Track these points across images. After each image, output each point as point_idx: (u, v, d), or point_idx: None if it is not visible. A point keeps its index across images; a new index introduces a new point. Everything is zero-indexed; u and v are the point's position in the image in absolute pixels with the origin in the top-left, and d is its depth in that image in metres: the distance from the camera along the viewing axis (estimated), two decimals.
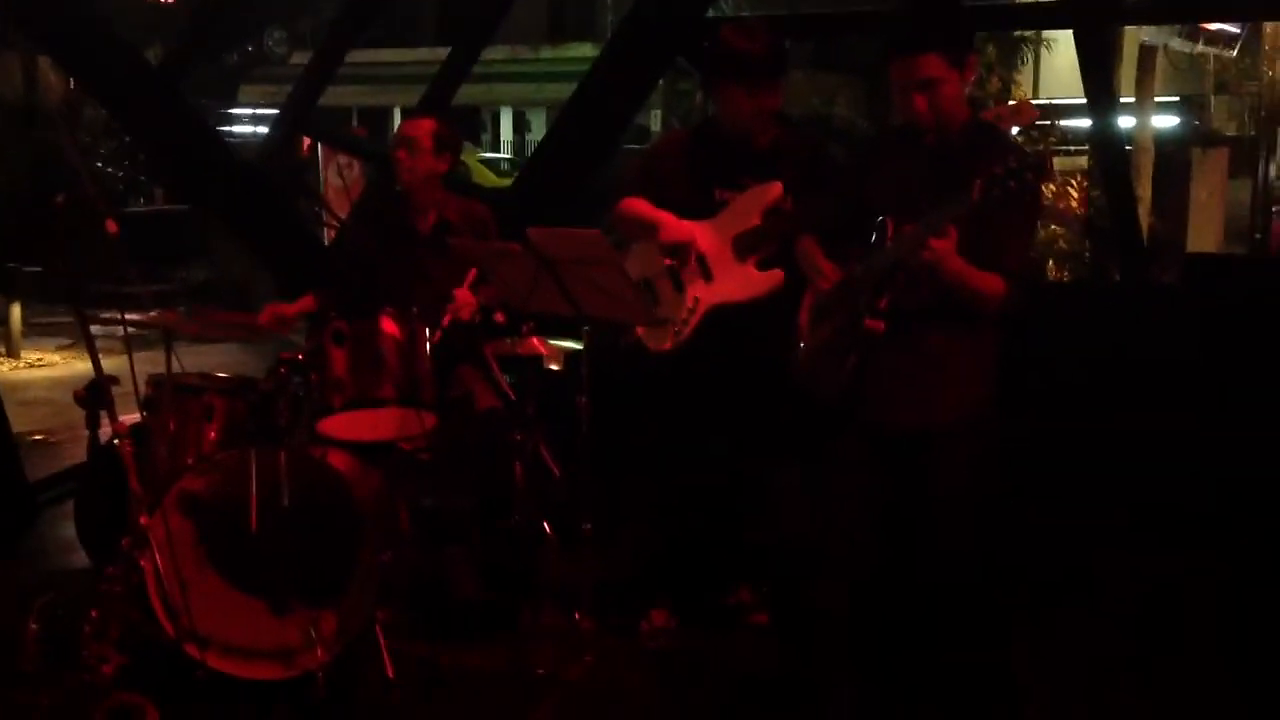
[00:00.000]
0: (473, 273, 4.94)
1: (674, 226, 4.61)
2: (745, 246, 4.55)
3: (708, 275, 4.61)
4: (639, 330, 4.73)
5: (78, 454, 6.26)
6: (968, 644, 3.87)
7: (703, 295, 4.62)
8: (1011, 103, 4.33)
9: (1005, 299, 3.69)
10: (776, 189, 4.52)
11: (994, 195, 3.37)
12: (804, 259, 4.18)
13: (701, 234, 4.60)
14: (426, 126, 5.21)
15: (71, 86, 19.13)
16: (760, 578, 4.88)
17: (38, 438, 8.54)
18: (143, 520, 3.88)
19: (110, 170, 20.07)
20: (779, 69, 4.58)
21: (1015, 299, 3.70)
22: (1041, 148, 4.03)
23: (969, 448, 3.82)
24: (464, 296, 4.94)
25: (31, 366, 12.28)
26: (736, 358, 4.59)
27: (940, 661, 3.91)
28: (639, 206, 4.70)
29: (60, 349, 12.81)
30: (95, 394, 4.64)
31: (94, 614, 3.77)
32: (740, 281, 4.55)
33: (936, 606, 3.85)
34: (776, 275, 4.51)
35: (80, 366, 11.19)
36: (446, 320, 4.85)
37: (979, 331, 3.82)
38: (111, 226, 3.90)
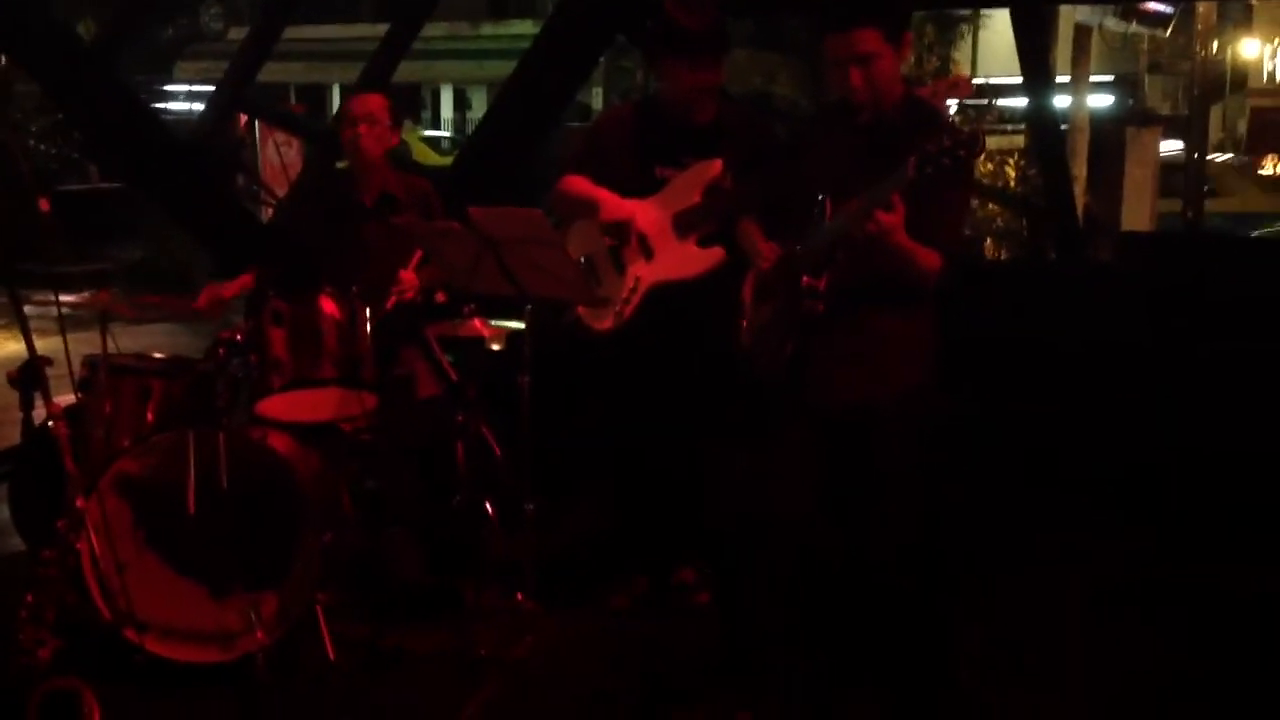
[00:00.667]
0: (418, 254, 4.91)
1: (614, 205, 4.60)
2: (686, 224, 4.55)
3: (649, 254, 4.61)
4: (580, 309, 4.73)
5: (10, 437, 6.15)
6: (908, 622, 3.90)
7: (644, 274, 4.62)
8: (947, 77, 4.33)
9: (942, 273, 3.71)
10: (716, 166, 4.52)
11: (927, 173, 3.39)
12: (744, 239, 4.19)
13: (642, 212, 4.59)
14: (380, 101, 5.19)
15: (3, 62, 18.84)
16: (702, 558, 4.89)
17: None
18: (79, 502, 3.83)
19: (43, 148, 19.78)
20: (721, 45, 4.58)
21: (946, 273, 3.73)
22: (976, 125, 4.03)
23: (909, 426, 3.84)
24: (409, 278, 4.92)
25: None
26: (679, 336, 4.59)
27: (880, 639, 3.95)
28: (579, 185, 4.69)
29: None
30: (29, 375, 4.58)
31: (29, 598, 3.72)
32: (681, 259, 4.55)
33: (877, 584, 3.87)
34: (717, 253, 4.52)
35: (12, 348, 10.99)
36: (391, 302, 4.83)
37: (917, 310, 3.84)
38: (44, 205, 3.85)
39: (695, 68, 4.53)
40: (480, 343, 5.04)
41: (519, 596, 4.54)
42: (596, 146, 4.78)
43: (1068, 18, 20.04)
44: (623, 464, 4.99)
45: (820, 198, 3.77)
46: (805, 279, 3.74)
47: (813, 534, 3.95)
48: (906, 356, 3.86)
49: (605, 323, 4.67)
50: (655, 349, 4.63)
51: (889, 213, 3.50)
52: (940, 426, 3.92)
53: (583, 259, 4.64)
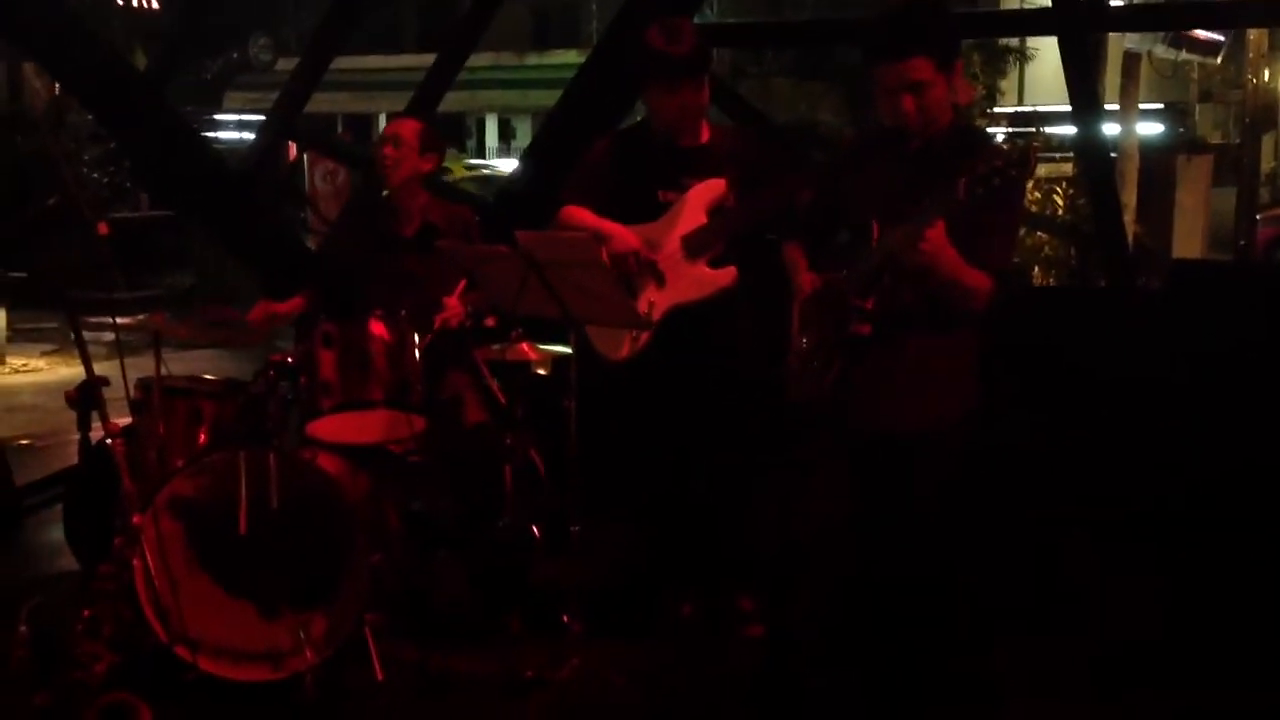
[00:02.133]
0: (463, 282, 4.95)
1: (621, 238, 4.61)
2: (695, 247, 4.57)
3: (660, 279, 4.63)
4: (595, 340, 4.74)
5: (65, 459, 6.25)
6: (946, 646, 3.88)
7: (657, 299, 4.63)
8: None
9: (991, 296, 3.70)
10: (719, 186, 4.55)
11: (978, 193, 3.39)
12: (789, 267, 4.19)
13: (648, 237, 4.61)
14: (413, 125, 5.23)
15: (56, 92, 19.10)
16: (760, 588, 4.88)
17: (24, 442, 8.53)
18: (135, 519, 3.87)
19: (95, 176, 20.02)
20: (700, 67, 4.60)
21: (995, 296, 3.72)
22: (1027, 145, 4.02)
23: (951, 452, 3.83)
24: (454, 304, 4.95)
25: (17, 372, 12.25)
26: (697, 358, 4.61)
27: (919, 664, 3.93)
28: (582, 216, 4.70)
29: (46, 354, 12.78)
30: (86, 395, 4.64)
31: (86, 613, 3.77)
32: (693, 282, 4.58)
33: (916, 610, 3.86)
34: (729, 272, 4.55)
35: (66, 372, 11.17)
36: (437, 325, 4.87)
37: (960, 335, 3.83)
38: (103, 228, 3.91)
39: (675, 92, 4.57)
40: (527, 367, 5.06)
41: (564, 619, 4.55)
42: (589, 180, 4.80)
43: (1117, 45, 19.94)
44: (652, 488, 5.00)
45: (867, 222, 3.77)
46: (854, 301, 3.74)
47: (851, 559, 3.94)
48: (951, 383, 3.85)
49: (621, 352, 4.68)
50: (674, 373, 4.64)
51: (935, 231, 3.50)
52: (981, 453, 3.90)
53: None
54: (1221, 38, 21.59)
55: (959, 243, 3.58)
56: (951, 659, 3.92)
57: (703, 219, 4.57)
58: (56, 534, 5.46)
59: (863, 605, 3.98)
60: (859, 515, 3.93)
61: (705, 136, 4.72)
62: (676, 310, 4.61)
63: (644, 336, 4.62)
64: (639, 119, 4.98)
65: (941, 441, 3.81)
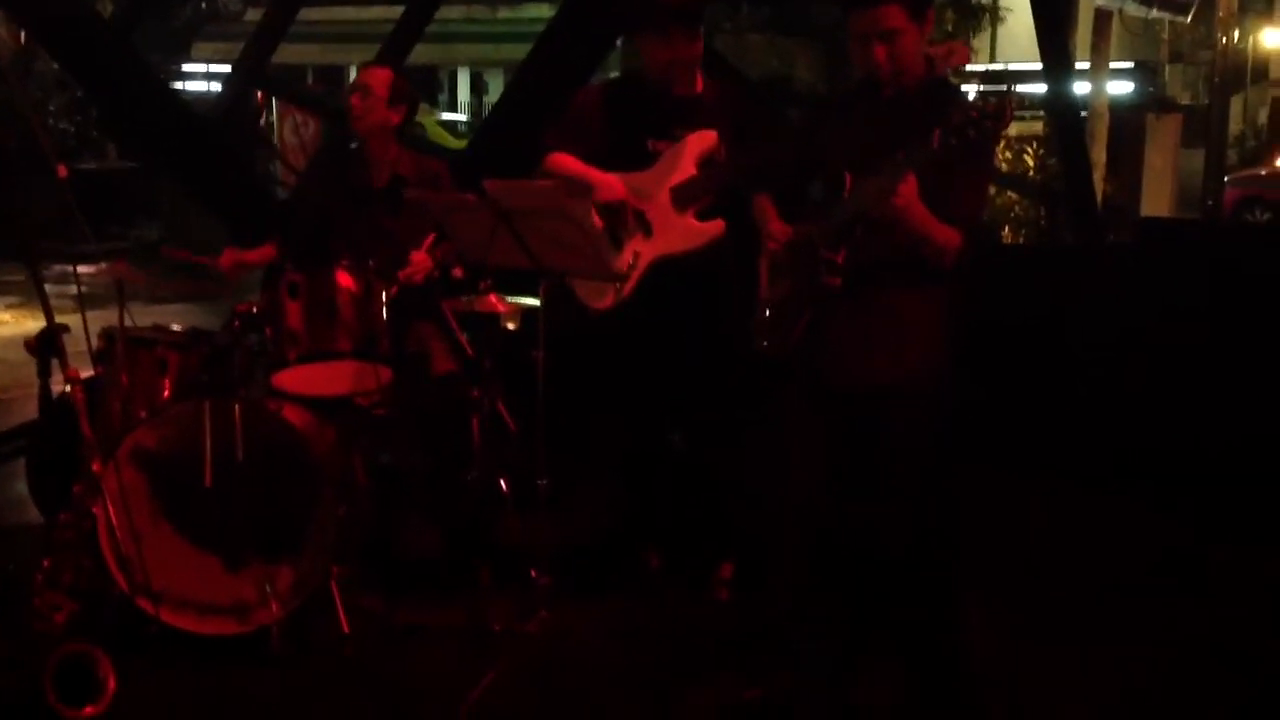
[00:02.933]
0: (431, 236, 4.91)
1: (608, 186, 4.59)
2: (683, 198, 4.54)
3: (647, 229, 4.60)
4: (578, 289, 4.72)
5: (29, 412, 6.18)
6: (919, 601, 3.89)
7: (643, 249, 4.61)
8: (941, 45, 4.27)
9: (961, 251, 3.69)
10: (711, 138, 4.53)
11: (952, 144, 3.38)
12: (758, 217, 4.17)
13: (637, 186, 4.58)
14: (382, 75, 5.17)
15: (22, 40, 18.88)
16: (738, 552, 4.87)
17: None
18: (95, 467, 3.84)
19: (62, 125, 19.84)
20: (695, 18, 4.58)
21: (966, 251, 3.70)
22: (1000, 96, 3.97)
23: (922, 405, 3.82)
24: (420, 259, 4.91)
25: None
26: (681, 310, 4.59)
27: (892, 618, 3.94)
28: (569, 164, 4.66)
29: (10, 307, 12.65)
30: (46, 342, 4.59)
31: (46, 562, 3.74)
32: (681, 233, 4.55)
33: (887, 562, 3.86)
34: (717, 225, 4.53)
35: (31, 325, 11.03)
36: (401, 278, 4.83)
37: (934, 289, 3.82)
38: (62, 171, 3.85)
39: (671, 41, 4.54)
40: (496, 319, 5.03)
41: (532, 573, 4.54)
42: (577, 125, 4.77)
43: (1088, 2, 19.96)
44: (631, 441, 4.99)
45: (839, 173, 3.76)
46: (824, 253, 3.73)
47: (825, 512, 3.95)
48: (921, 336, 3.84)
49: (604, 301, 4.66)
50: (657, 324, 4.61)
51: (907, 185, 3.49)
52: (955, 407, 3.90)
53: None
54: None
55: (930, 196, 3.57)
56: (929, 614, 3.92)
57: (693, 170, 4.54)
58: (21, 486, 5.42)
59: (839, 561, 3.99)
60: (832, 469, 3.93)
61: (699, 88, 4.69)
62: (662, 261, 4.59)
63: (628, 286, 4.60)
64: (621, 72, 4.95)
65: (913, 395, 3.81)
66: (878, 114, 3.78)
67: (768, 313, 4.03)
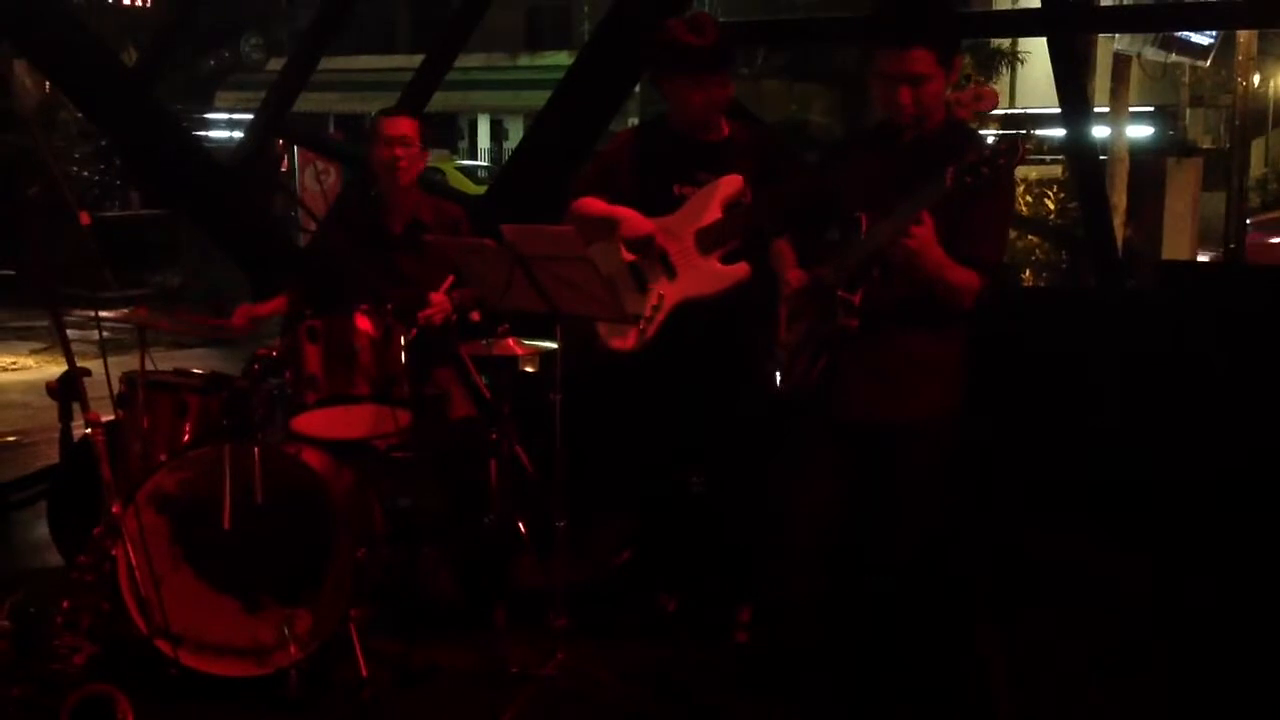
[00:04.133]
0: (450, 278, 4.94)
1: (635, 221, 4.60)
2: (708, 241, 4.55)
3: (671, 272, 4.62)
4: (601, 330, 4.74)
5: (51, 455, 6.23)
6: (934, 636, 3.89)
7: (667, 292, 4.62)
8: (969, 89, 4.25)
9: (979, 292, 3.70)
10: (736, 182, 4.53)
11: (966, 182, 3.38)
12: (775, 262, 4.19)
13: (662, 230, 4.60)
14: (412, 123, 5.20)
15: (47, 90, 19.07)
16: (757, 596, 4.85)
17: (10, 439, 8.51)
18: (115, 509, 3.86)
19: (85, 174, 20.01)
20: (725, 61, 4.58)
21: (985, 293, 3.72)
22: (1013, 134, 3.98)
23: (937, 444, 3.83)
24: (439, 300, 4.94)
25: (5, 370, 12.21)
26: (704, 354, 4.60)
27: (906, 654, 3.93)
28: (595, 206, 4.68)
29: (34, 352, 12.74)
30: (68, 386, 4.62)
31: (65, 604, 3.75)
32: (705, 276, 4.56)
33: (901, 600, 3.86)
34: (742, 268, 4.52)
35: (54, 370, 11.12)
36: (420, 320, 4.86)
37: (948, 329, 3.83)
38: (85, 219, 3.89)
39: (701, 85, 4.54)
40: (514, 362, 5.05)
41: (550, 615, 4.54)
42: (604, 174, 4.78)
43: (1106, 47, 19.96)
44: (649, 484, 4.99)
45: (856, 215, 3.77)
46: (841, 294, 3.74)
47: (840, 550, 3.95)
48: (936, 377, 3.85)
49: (627, 342, 4.67)
50: (680, 367, 4.63)
51: (921, 226, 3.50)
52: (967, 448, 3.91)
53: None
54: (1209, 41, 21.59)
55: (948, 237, 3.58)
56: (941, 645, 3.92)
57: (718, 214, 4.54)
58: (42, 530, 5.45)
59: (850, 598, 3.99)
60: (848, 507, 3.93)
61: (725, 132, 4.70)
62: (686, 304, 4.60)
63: (652, 329, 4.61)
64: (640, 118, 4.96)
65: (928, 433, 3.82)
66: (896, 156, 3.79)
67: (786, 355, 4.05)
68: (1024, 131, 20.93)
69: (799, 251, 4.11)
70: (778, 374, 4.07)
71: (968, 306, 3.73)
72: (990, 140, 3.68)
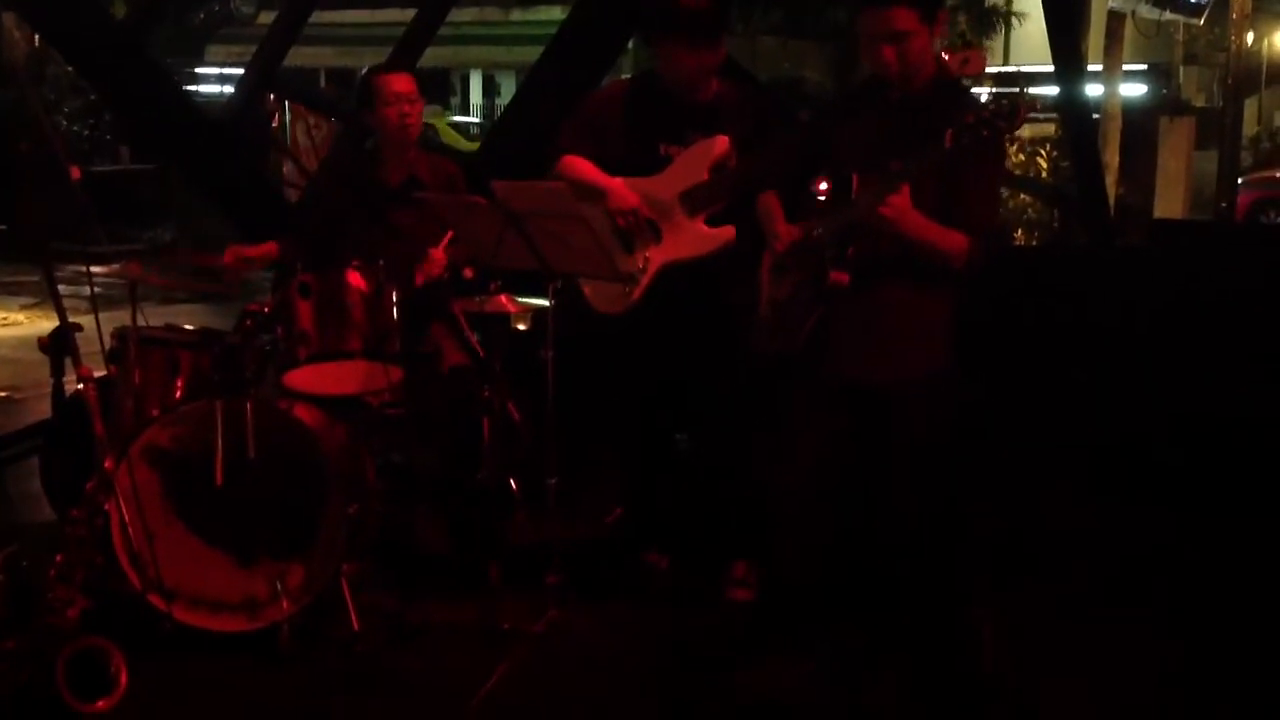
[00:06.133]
0: (449, 234, 4.93)
1: (620, 193, 4.59)
2: (694, 203, 4.54)
3: (657, 234, 4.61)
4: (588, 293, 4.74)
5: (42, 411, 6.23)
6: (926, 598, 3.91)
7: (653, 255, 4.62)
8: (957, 53, 4.24)
9: (969, 255, 3.71)
10: (723, 143, 4.51)
11: (965, 144, 3.40)
12: (763, 217, 4.19)
13: (648, 190, 4.59)
14: (410, 79, 5.17)
15: (36, 43, 18.95)
16: (752, 552, 4.86)
17: (2, 395, 8.50)
18: (107, 464, 3.87)
19: (75, 128, 19.91)
20: (720, 26, 4.57)
21: (977, 255, 3.73)
22: (1016, 98, 3.95)
23: (930, 402, 3.85)
24: (438, 255, 4.94)
25: None
26: (691, 315, 4.60)
27: (903, 615, 3.96)
28: (582, 168, 4.67)
29: (24, 308, 12.71)
30: (60, 342, 4.61)
31: (59, 558, 3.76)
32: (691, 239, 4.55)
33: (898, 559, 3.88)
34: (728, 231, 4.52)
35: (45, 325, 11.04)
36: (420, 280, 4.85)
37: (939, 287, 3.84)
38: (75, 173, 3.88)
39: (695, 48, 4.52)
40: (506, 319, 5.05)
41: (542, 572, 4.55)
42: (591, 123, 4.77)
43: (1101, 4, 19.93)
44: (638, 443, 5.00)
45: (848, 173, 3.78)
46: (832, 251, 3.75)
47: (831, 509, 3.97)
48: (926, 334, 3.87)
49: (615, 306, 4.67)
50: (664, 326, 4.63)
51: (898, 195, 3.52)
52: (961, 406, 3.93)
53: None
54: None
55: (939, 200, 3.59)
56: (936, 611, 3.94)
57: (704, 176, 4.53)
58: (34, 484, 5.45)
59: (849, 558, 4.02)
60: (841, 465, 3.95)
61: (713, 92, 4.68)
62: (671, 266, 4.59)
63: (637, 291, 4.61)
64: (636, 72, 4.93)
65: (920, 393, 3.83)
66: (886, 115, 3.80)
67: (772, 312, 4.05)
68: (1020, 90, 20.90)
69: (786, 206, 4.11)
70: (764, 333, 4.08)
71: (958, 268, 3.75)
72: (985, 99, 3.69)
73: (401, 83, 5.12)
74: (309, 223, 5.31)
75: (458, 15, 12.08)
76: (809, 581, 4.10)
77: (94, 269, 4.28)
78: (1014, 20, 21.37)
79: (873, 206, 3.58)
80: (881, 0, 3.68)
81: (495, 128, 10.71)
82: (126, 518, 4.07)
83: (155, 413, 4.46)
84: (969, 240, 3.71)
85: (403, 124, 5.07)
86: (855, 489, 3.99)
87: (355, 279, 4.57)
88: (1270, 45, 28.23)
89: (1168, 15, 22.77)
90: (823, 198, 4.24)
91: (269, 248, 5.16)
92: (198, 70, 28.26)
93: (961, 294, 3.89)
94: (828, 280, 3.76)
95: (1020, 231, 17.58)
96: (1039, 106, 18.82)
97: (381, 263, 4.64)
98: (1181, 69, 28.11)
